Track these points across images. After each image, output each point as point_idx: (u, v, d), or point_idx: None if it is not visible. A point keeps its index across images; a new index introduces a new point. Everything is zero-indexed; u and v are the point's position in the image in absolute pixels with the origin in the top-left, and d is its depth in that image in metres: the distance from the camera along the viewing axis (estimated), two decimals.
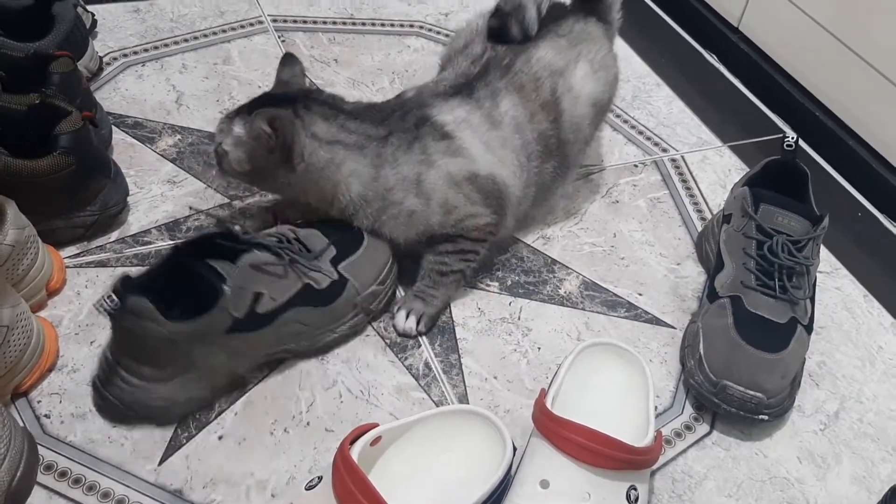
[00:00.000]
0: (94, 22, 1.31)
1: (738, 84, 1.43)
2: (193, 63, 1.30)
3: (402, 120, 0.93)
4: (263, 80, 1.28)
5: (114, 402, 0.83)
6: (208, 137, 1.17)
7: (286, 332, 0.88)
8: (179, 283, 0.79)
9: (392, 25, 1.45)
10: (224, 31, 1.37)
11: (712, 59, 1.48)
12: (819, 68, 1.29)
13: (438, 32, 1.45)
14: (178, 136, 1.17)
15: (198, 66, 1.30)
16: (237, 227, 1.00)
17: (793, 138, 1.04)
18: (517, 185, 0.97)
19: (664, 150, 1.27)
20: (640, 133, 1.30)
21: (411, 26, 1.46)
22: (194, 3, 1.42)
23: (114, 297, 0.77)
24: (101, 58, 1.25)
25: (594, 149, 1.25)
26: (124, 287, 0.77)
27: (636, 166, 1.24)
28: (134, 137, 1.16)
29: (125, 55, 1.30)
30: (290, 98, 0.93)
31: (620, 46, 1.47)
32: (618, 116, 1.32)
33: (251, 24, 1.40)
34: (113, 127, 1.16)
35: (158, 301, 0.77)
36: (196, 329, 0.79)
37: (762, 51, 1.39)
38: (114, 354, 0.82)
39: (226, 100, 1.24)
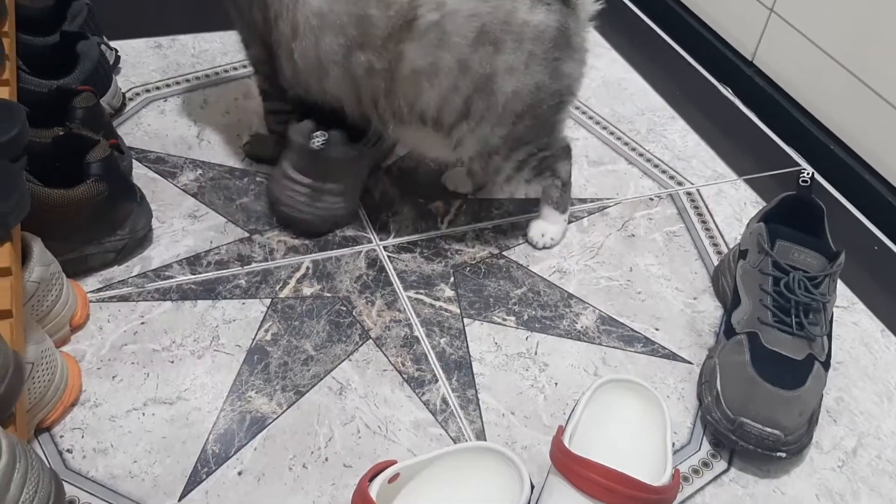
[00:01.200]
0: (118, 58, 1.34)
1: (754, 117, 1.44)
2: (215, 98, 1.32)
3: None
4: None
5: (318, 219, 1.10)
6: (228, 172, 1.19)
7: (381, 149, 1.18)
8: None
9: None
10: (244, 66, 1.40)
11: (727, 92, 1.49)
12: (833, 102, 1.30)
13: None
14: (200, 171, 1.19)
15: (219, 101, 1.32)
16: None
17: (808, 174, 1.04)
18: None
19: (679, 184, 1.28)
20: (656, 166, 1.31)
21: None
22: (215, 39, 1.44)
23: (321, 134, 1.05)
24: (124, 94, 1.28)
25: (610, 182, 1.27)
26: (325, 124, 1.05)
27: (652, 199, 1.25)
28: (156, 172, 1.18)
29: (147, 90, 1.32)
30: None
31: (635, 79, 1.49)
32: (633, 149, 1.33)
33: None
34: (135, 161, 1.18)
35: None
36: (361, 151, 1.09)
37: (776, 84, 1.40)
38: (319, 180, 1.08)
39: (246, 134, 1.26)
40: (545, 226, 1.15)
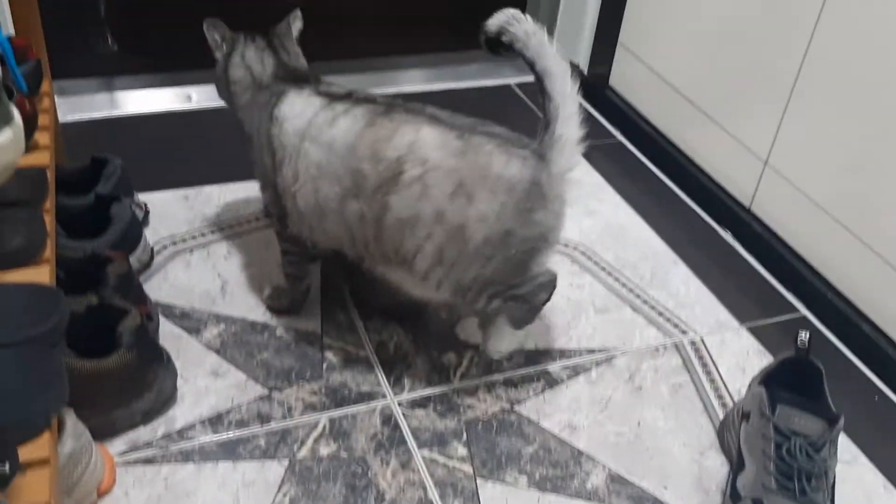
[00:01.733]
0: (147, 212, 1.41)
1: (754, 262, 1.49)
2: (238, 250, 1.39)
3: None
4: None
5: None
6: (250, 326, 1.25)
7: None
8: None
9: None
10: (267, 216, 1.47)
11: (727, 237, 1.55)
12: (827, 252, 1.36)
13: None
14: (223, 326, 1.24)
15: (242, 252, 1.39)
16: None
17: (805, 335, 1.09)
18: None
19: (683, 332, 1.32)
20: (661, 314, 1.36)
21: None
22: (239, 190, 1.52)
23: None
24: (152, 248, 1.35)
25: (616, 331, 1.31)
26: None
27: (657, 349, 1.29)
28: (181, 328, 1.23)
29: (174, 243, 1.39)
30: None
31: (638, 224, 1.55)
32: (637, 297, 1.38)
33: None
34: (161, 317, 1.24)
35: None
36: None
37: (774, 231, 1.46)
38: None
39: (267, 286, 1.32)
40: (499, 343, 1.21)
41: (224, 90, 1.24)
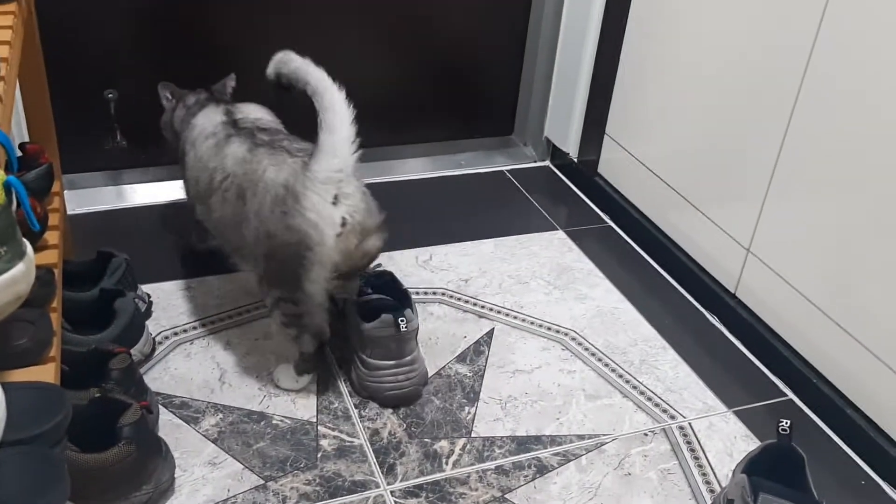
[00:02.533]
0: (150, 304, 1.46)
1: (740, 346, 1.53)
2: (237, 339, 1.43)
3: None
4: None
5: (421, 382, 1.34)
6: (247, 416, 1.28)
7: None
8: None
9: (416, 293, 1.58)
10: (265, 305, 1.52)
11: (714, 321, 1.59)
12: (811, 338, 1.39)
13: (459, 299, 1.58)
14: (220, 415, 1.28)
15: (241, 342, 1.43)
16: None
17: (787, 423, 1.11)
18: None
19: (672, 417, 1.35)
20: (649, 399, 1.38)
21: (434, 293, 1.60)
22: (238, 279, 1.57)
23: (403, 318, 1.32)
24: (154, 339, 1.39)
25: (606, 417, 1.34)
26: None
27: (646, 435, 1.31)
28: (180, 418, 1.27)
29: (175, 333, 1.43)
30: None
31: (628, 309, 1.59)
32: (627, 382, 1.42)
33: None
34: (161, 407, 1.27)
35: None
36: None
37: (758, 316, 1.50)
38: (410, 353, 1.32)
39: (264, 375, 1.35)
40: (280, 375, 1.36)
41: (169, 130, 1.49)
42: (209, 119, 1.38)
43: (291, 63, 1.20)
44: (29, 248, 0.56)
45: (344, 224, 1.19)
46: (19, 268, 0.53)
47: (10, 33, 0.99)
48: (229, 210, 1.27)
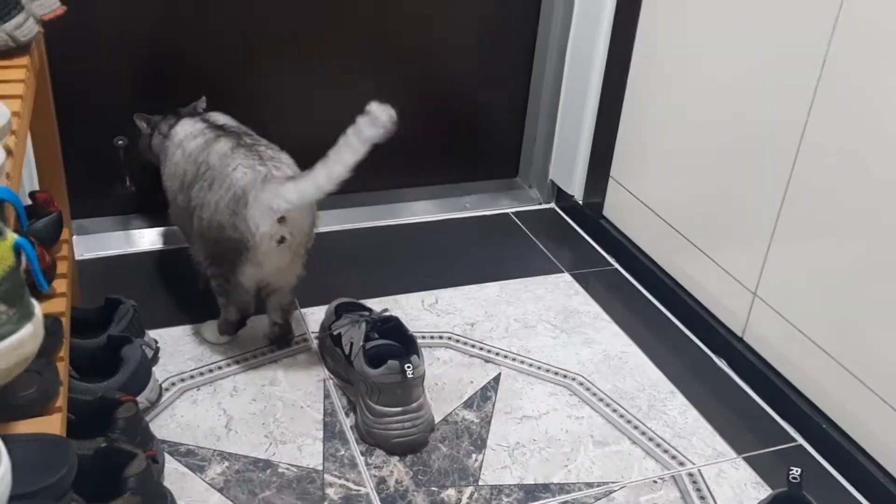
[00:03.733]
0: (157, 350, 1.46)
1: (749, 390, 1.52)
2: (243, 385, 1.43)
3: None
4: (306, 401, 1.40)
5: (428, 428, 1.35)
6: (253, 464, 1.27)
7: None
8: None
9: (423, 338, 1.58)
10: (272, 350, 1.52)
11: (722, 364, 1.58)
12: (820, 383, 1.38)
13: (465, 343, 1.58)
14: (227, 464, 1.27)
15: (247, 388, 1.42)
16: None
17: (798, 471, 1.10)
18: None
19: (681, 464, 1.34)
20: (658, 445, 1.37)
21: (440, 338, 1.59)
22: (247, 324, 1.57)
23: (409, 364, 1.30)
24: (161, 386, 1.39)
25: (614, 464, 1.33)
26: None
27: (655, 482, 1.30)
28: (186, 466, 1.26)
29: (182, 380, 1.43)
30: None
31: (635, 353, 1.59)
32: (636, 428, 1.41)
33: (297, 342, 1.54)
34: (167, 455, 1.27)
35: None
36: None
37: (766, 360, 1.49)
38: (418, 399, 1.32)
39: (270, 422, 1.35)
40: (206, 329, 1.54)
41: (148, 152, 1.61)
42: (190, 127, 1.51)
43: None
44: (37, 308, 0.56)
45: (282, 241, 1.34)
46: (27, 329, 0.53)
47: (22, 87, 1.01)
48: (202, 197, 1.39)
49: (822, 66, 1.30)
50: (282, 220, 1.32)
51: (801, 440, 1.41)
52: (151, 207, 1.83)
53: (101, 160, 1.75)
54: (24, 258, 0.58)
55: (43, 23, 1.14)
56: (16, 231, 0.64)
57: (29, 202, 1.31)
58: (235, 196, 1.33)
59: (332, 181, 1.26)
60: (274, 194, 1.30)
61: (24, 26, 1.07)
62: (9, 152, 0.87)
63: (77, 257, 1.68)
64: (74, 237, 1.75)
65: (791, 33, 1.36)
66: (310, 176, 1.28)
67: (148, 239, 1.82)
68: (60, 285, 1.23)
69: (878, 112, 1.23)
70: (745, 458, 1.36)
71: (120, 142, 1.73)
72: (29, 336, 0.54)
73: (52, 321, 1.10)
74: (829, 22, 1.28)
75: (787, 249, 1.42)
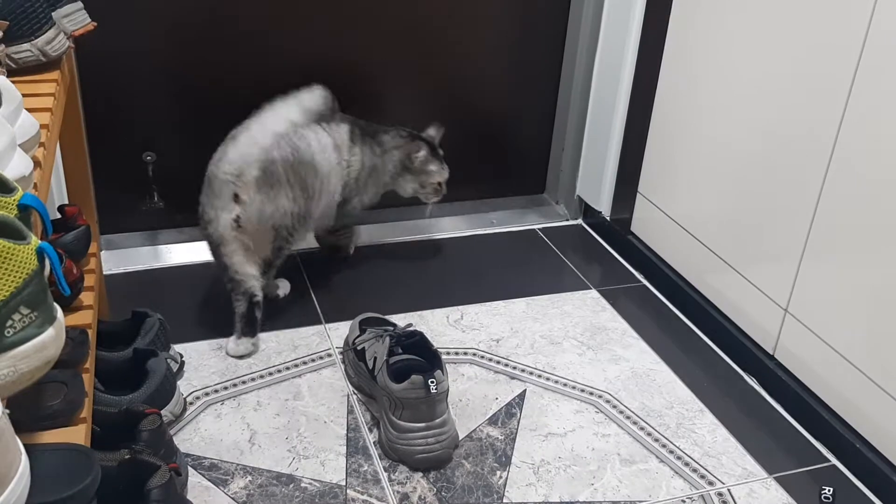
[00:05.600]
0: (182, 364, 1.47)
1: (781, 409, 1.48)
2: (267, 400, 1.43)
3: None
4: (330, 416, 1.40)
5: (452, 444, 1.33)
6: (276, 478, 1.27)
7: None
8: None
9: (447, 353, 1.57)
10: (296, 364, 1.52)
11: (752, 383, 1.55)
12: (853, 402, 1.35)
13: (490, 359, 1.57)
14: (249, 478, 1.27)
15: (271, 402, 1.42)
16: None
17: (829, 491, 1.08)
18: None
19: (710, 483, 1.31)
20: (687, 464, 1.35)
21: (465, 353, 1.58)
22: (271, 339, 1.58)
23: (433, 379, 1.33)
24: (185, 400, 1.39)
25: (642, 483, 1.30)
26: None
27: (683, 502, 1.27)
28: (209, 480, 1.26)
29: (207, 394, 1.43)
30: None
31: (664, 371, 1.56)
32: (664, 446, 1.38)
33: (321, 357, 1.54)
34: (190, 468, 1.27)
35: None
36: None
37: (798, 378, 1.46)
38: (441, 414, 1.31)
39: (294, 437, 1.35)
40: (229, 345, 1.56)
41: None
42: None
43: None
44: (59, 312, 0.56)
45: (238, 222, 1.45)
46: (49, 333, 0.54)
47: (52, 100, 1.02)
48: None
49: (853, 81, 1.28)
50: (236, 200, 1.45)
51: (834, 460, 1.38)
52: (180, 223, 1.85)
53: (130, 176, 1.78)
54: (47, 263, 0.58)
55: (74, 38, 1.16)
56: (42, 239, 0.64)
57: (58, 215, 1.33)
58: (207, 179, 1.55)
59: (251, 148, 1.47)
60: (220, 167, 1.47)
61: (54, 41, 1.09)
62: (37, 164, 0.88)
63: (106, 272, 1.70)
64: (104, 252, 1.78)
65: (820, 47, 1.34)
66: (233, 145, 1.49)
67: (176, 254, 1.83)
68: (87, 297, 1.23)
69: None
70: (776, 479, 1.33)
71: (149, 157, 1.75)
72: (51, 339, 0.54)
73: (78, 332, 1.11)
74: (859, 36, 1.26)
75: (818, 265, 1.40)
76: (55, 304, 0.57)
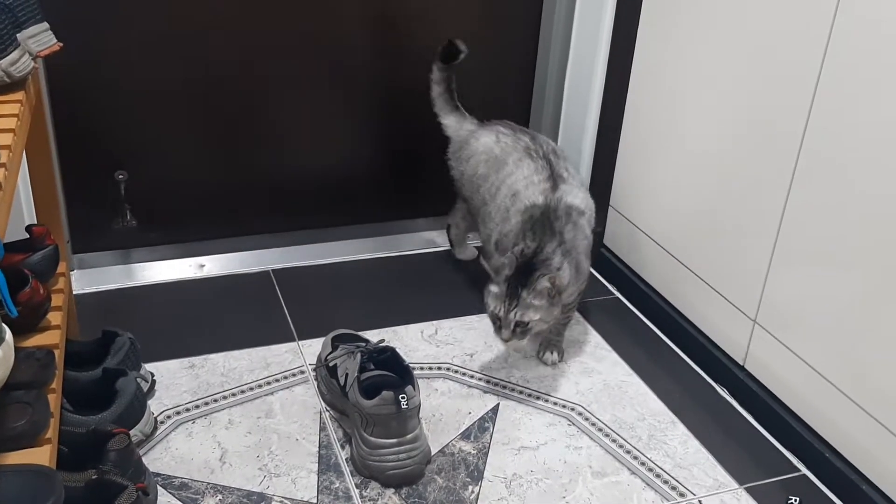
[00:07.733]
0: (153, 383, 1.46)
1: (751, 419, 1.49)
2: (239, 418, 1.42)
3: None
4: (301, 433, 1.39)
5: (424, 460, 1.34)
6: (246, 497, 1.26)
7: None
8: None
9: (421, 368, 1.57)
10: (268, 382, 1.51)
11: (724, 393, 1.56)
12: (822, 411, 1.36)
13: (464, 374, 1.57)
14: (220, 497, 1.26)
15: (242, 420, 1.42)
16: None
17: (796, 500, 1.08)
18: None
19: (682, 495, 1.32)
20: (658, 476, 1.35)
21: (439, 368, 1.58)
22: (243, 357, 1.57)
23: (407, 394, 1.31)
24: (156, 419, 1.38)
25: (613, 495, 1.31)
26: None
27: None
28: (179, 500, 1.25)
29: (178, 412, 1.43)
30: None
31: (636, 383, 1.57)
32: (635, 458, 1.38)
33: (293, 375, 1.53)
34: (160, 488, 1.26)
35: None
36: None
37: (768, 388, 1.47)
38: (413, 430, 1.32)
39: (265, 455, 1.34)
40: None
41: None
42: None
43: None
44: (8, 333, 0.56)
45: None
46: None
47: (14, 121, 1.02)
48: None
49: (815, 91, 1.30)
50: None
51: (804, 470, 1.39)
52: (152, 241, 1.84)
53: (103, 195, 1.77)
54: None
55: (41, 58, 1.16)
56: None
57: (26, 235, 1.32)
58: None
59: None
60: None
61: (18, 62, 1.09)
62: None
63: (78, 291, 1.69)
64: (76, 272, 1.77)
65: (784, 61, 1.36)
66: None
67: (149, 273, 1.82)
68: (55, 317, 1.23)
69: (873, 135, 1.22)
70: (747, 489, 1.34)
71: (121, 176, 1.75)
72: None
73: (45, 353, 1.11)
74: (820, 47, 1.28)
75: (785, 276, 1.41)
76: (3, 325, 0.56)
